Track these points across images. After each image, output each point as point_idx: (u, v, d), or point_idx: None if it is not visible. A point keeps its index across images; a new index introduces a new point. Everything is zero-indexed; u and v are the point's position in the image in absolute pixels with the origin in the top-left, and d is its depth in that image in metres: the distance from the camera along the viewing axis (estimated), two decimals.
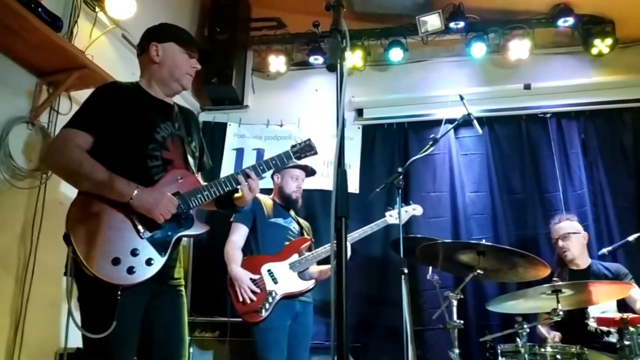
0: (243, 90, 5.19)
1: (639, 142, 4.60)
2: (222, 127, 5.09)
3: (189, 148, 2.40)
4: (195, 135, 2.51)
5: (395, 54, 4.90)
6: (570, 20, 4.63)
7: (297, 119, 5.05)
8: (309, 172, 3.75)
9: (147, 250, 2.08)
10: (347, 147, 4.89)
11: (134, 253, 2.04)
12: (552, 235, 3.90)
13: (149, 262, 2.07)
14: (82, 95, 2.82)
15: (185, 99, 4.72)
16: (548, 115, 4.75)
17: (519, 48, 4.72)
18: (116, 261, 2.00)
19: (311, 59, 5.07)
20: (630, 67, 4.73)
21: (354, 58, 4.94)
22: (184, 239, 2.32)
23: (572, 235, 3.77)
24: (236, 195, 2.45)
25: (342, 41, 1.38)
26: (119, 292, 1.98)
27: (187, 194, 2.24)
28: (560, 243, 3.77)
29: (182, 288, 2.32)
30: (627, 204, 4.46)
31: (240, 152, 5.00)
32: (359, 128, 4.99)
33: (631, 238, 3.59)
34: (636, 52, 4.79)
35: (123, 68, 3.74)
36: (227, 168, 4.88)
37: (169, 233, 2.17)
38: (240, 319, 3.41)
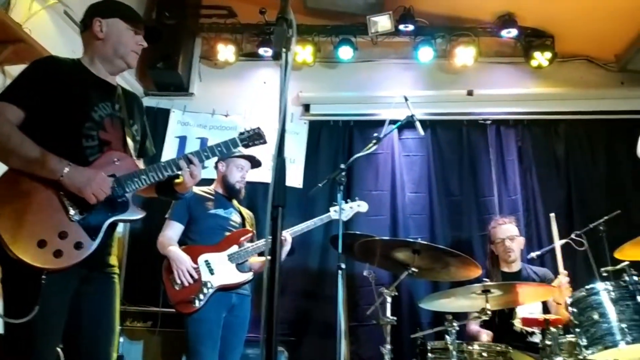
0: (189, 78, 5.09)
1: (570, 153, 4.84)
2: (165, 114, 4.98)
3: (130, 131, 2.31)
4: (138, 119, 2.42)
5: (345, 52, 4.93)
6: (514, 32, 4.79)
7: (244, 110, 5.00)
8: (255, 163, 3.70)
9: (77, 233, 1.99)
10: (293, 142, 4.90)
11: (62, 236, 1.95)
12: (497, 236, 3.95)
13: (78, 245, 1.98)
14: (17, 70, 2.68)
15: (129, 83, 4.58)
16: (488, 122, 4.92)
17: (464, 55, 4.85)
18: (42, 244, 1.91)
19: (261, 51, 5.02)
20: (566, 81, 4.97)
21: (304, 53, 4.94)
22: (121, 225, 2.24)
23: (516, 238, 3.92)
24: (177, 181, 2.37)
25: (288, 30, 1.38)
26: (44, 277, 1.89)
27: (123, 177, 2.16)
28: (507, 243, 3.87)
29: (116, 276, 2.24)
30: (556, 211, 4.64)
31: (183, 140, 4.90)
32: (305, 123, 5.00)
33: (558, 244, 3.78)
34: (572, 67, 5.03)
35: (63, 46, 3.59)
36: (168, 155, 4.76)
37: (102, 216, 2.08)
38: (173, 310, 3.34)
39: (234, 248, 3.45)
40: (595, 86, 4.94)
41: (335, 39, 5.01)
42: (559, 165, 4.81)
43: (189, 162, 2.29)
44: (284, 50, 1.38)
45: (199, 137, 4.93)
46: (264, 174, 4.45)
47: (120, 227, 2.25)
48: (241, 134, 2.52)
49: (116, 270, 2.25)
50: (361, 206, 3.89)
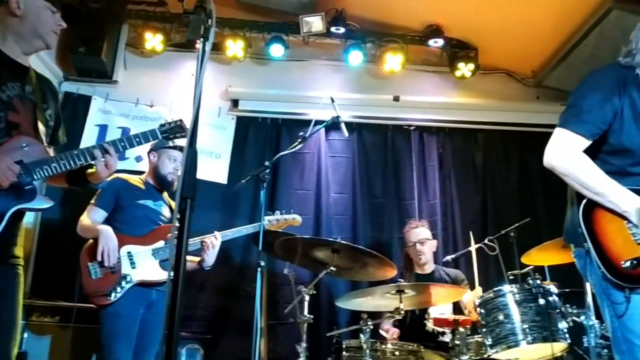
0: (113, 65, 4.89)
1: (488, 162, 5.09)
2: (86, 100, 4.75)
3: (42, 115, 2.20)
4: (52, 104, 2.30)
5: (276, 50, 4.91)
6: (440, 42, 4.94)
7: (170, 102, 4.87)
8: None
9: None
10: (219, 137, 4.84)
11: None
12: (409, 239, 4.07)
13: None
14: None
15: (48, 66, 4.35)
16: (412, 128, 5.07)
17: (393, 61, 4.96)
18: None
19: (198, 42, 4.89)
20: (487, 92, 5.21)
21: (234, 48, 4.88)
22: (30, 215, 2.12)
23: (428, 241, 4.04)
24: (90, 171, 2.28)
25: (207, 20, 1.35)
26: None
27: (32, 163, 2.05)
28: (418, 247, 3.99)
29: (21, 268, 2.12)
30: (472, 216, 4.90)
31: (103, 129, 4.71)
32: (233, 119, 4.95)
33: (472, 248, 3.95)
34: (493, 80, 5.27)
35: None
36: (87, 144, 4.53)
37: (5, 204, 1.97)
38: (87, 305, 3.20)
39: (160, 243, 3.30)
40: (513, 99, 5.21)
41: (267, 35, 4.98)
42: (476, 173, 5.04)
43: (105, 151, 2.21)
44: (201, 39, 1.36)
45: (120, 126, 4.75)
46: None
47: (30, 217, 2.14)
48: (162, 125, 2.45)
49: (21, 262, 2.14)
50: (295, 219, 3.81)
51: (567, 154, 2.07)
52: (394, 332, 3.66)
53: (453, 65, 5.02)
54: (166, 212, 3.50)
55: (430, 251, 4.05)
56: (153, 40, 4.89)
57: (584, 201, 2.02)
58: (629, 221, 1.94)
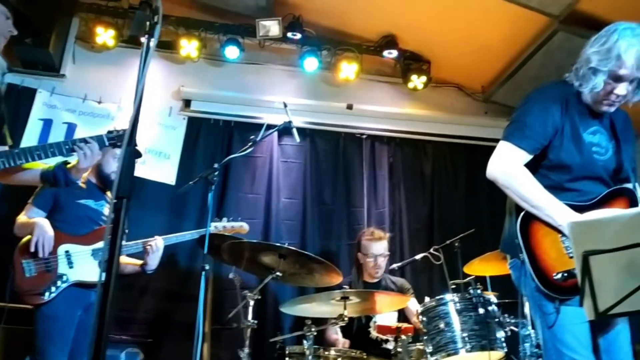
0: (61, 58, 4.73)
1: (436, 173, 5.19)
2: (30, 93, 4.57)
3: None
4: None
5: (231, 52, 4.87)
6: (395, 53, 5.02)
7: (119, 99, 4.74)
8: (135, 154, 3.49)
9: None
10: (169, 137, 4.77)
11: None
12: (369, 250, 3.96)
13: None
14: None
15: None
16: (364, 137, 5.13)
17: (348, 69, 4.99)
18: None
19: (143, 39, 4.79)
20: (437, 105, 5.32)
21: (189, 47, 4.81)
22: None
23: (386, 256, 4.01)
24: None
25: (152, 16, 1.33)
26: None
27: None
28: (379, 261, 3.94)
29: None
30: (419, 226, 4.99)
31: (48, 124, 4.53)
32: (184, 119, 4.87)
33: (418, 257, 4.02)
34: (444, 93, 5.40)
35: None
36: (30, 139, 4.39)
37: None
38: (19, 305, 3.07)
39: (100, 244, 3.18)
40: (462, 113, 5.35)
41: (223, 37, 4.93)
42: (424, 183, 5.14)
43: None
44: (145, 36, 1.33)
45: (66, 122, 4.58)
46: (140, 169, 4.28)
47: None
48: (110, 132, 2.41)
49: None
50: (242, 227, 3.76)
51: (508, 166, 2.14)
52: (345, 342, 3.65)
53: (406, 77, 5.10)
54: (108, 212, 3.40)
55: (385, 264, 4.05)
56: (104, 35, 4.76)
57: (522, 213, 2.09)
58: (563, 235, 2.02)
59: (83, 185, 3.33)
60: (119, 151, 3.32)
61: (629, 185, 2.18)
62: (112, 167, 3.37)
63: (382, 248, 3.97)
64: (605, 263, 1.50)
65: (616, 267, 1.51)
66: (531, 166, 2.16)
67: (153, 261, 3.32)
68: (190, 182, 3.51)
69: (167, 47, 4.86)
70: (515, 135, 2.17)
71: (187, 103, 4.91)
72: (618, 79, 2.04)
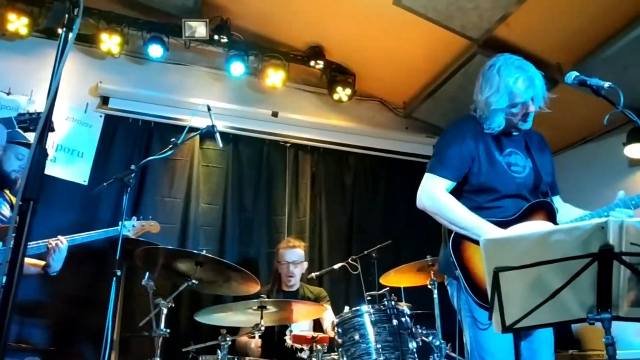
0: None
1: (357, 183, 5.29)
2: None
3: None
4: None
5: (155, 50, 4.70)
6: (321, 64, 5.06)
7: (31, 91, 4.45)
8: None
9: None
10: (84, 134, 4.54)
11: None
12: (283, 257, 4.01)
13: None
14: None
15: None
16: (288, 145, 5.13)
17: (274, 77, 4.97)
18: None
19: (59, 31, 4.53)
20: (361, 117, 5.43)
21: (110, 43, 4.58)
22: None
23: (301, 263, 4.05)
24: None
25: (73, 10, 1.25)
26: None
27: None
28: (291, 268, 3.96)
29: None
30: (338, 235, 5.05)
31: None
32: (101, 116, 4.64)
33: (336, 266, 4.07)
34: (367, 106, 5.52)
35: None
36: None
37: None
38: None
39: None
40: (384, 127, 5.48)
41: (147, 34, 4.75)
42: (345, 194, 5.22)
43: None
44: (63, 29, 1.25)
45: None
46: (50, 167, 4.03)
47: None
48: (20, 114, 2.24)
49: None
50: (153, 226, 3.67)
51: (434, 195, 2.36)
52: (257, 342, 3.61)
53: (331, 88, 5.15)
54: (6, 211, 3.17)
55: (300, 273, 4.05)
56: (17, 22, 4.44)
57: (452, 234, 2.31)
58: None
59: None
60: (23, 150, 3.16)
61: (548, 199, 2.46)
62: (13, 165, 3.15)
63: (296, 256, 4.01)
64: (514, 279, 1.58)
65: (523, 283, 1.59)
66: (456, 191, 2.40)
67: (56, 262, 3.13)
68: (105, 183, 3.36)
69: (86, 40, 4.63)
70: (436, 167, 2.41)
71: (105, 100, 4.68)
72: (523, 104, 2.35)
